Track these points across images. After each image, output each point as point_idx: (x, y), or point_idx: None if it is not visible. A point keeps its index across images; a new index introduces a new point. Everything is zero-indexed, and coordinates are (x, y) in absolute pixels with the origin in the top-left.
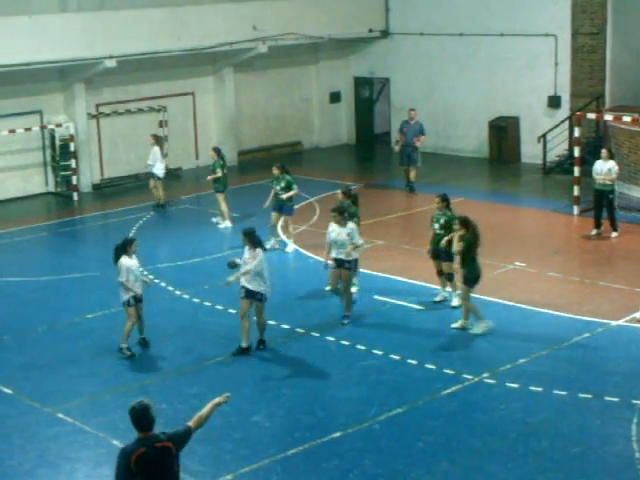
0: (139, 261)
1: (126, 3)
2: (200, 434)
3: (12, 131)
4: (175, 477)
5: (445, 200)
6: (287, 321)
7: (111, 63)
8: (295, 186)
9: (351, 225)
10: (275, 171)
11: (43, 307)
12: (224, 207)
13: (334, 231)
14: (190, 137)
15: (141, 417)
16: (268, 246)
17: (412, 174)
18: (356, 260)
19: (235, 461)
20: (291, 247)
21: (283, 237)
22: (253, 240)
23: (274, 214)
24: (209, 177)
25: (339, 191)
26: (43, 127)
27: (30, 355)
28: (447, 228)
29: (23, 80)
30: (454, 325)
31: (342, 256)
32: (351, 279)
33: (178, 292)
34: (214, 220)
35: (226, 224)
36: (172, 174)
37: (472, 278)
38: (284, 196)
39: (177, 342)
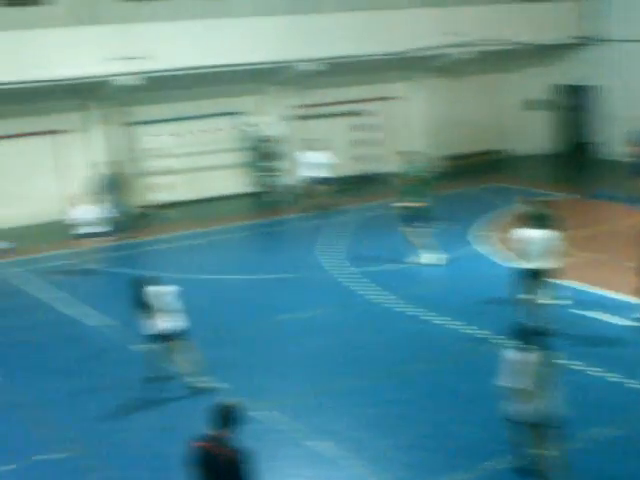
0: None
1: (327, 6)
2: (400, 441)
3: (214, 131)
4: None
5: None
6: (485, 328)
7: (310, 66)
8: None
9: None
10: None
11: (245, 305)
12: None
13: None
14: (389, 142)
15: (220, 416)
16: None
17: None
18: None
19: (432, 470)
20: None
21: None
22: None
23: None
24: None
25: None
26: (242, 128)
27: (234, 353)
28: None
29: (223, 82)
30: None
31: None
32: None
33: (373, 297)
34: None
35: None
36: (367, 178)
37: None
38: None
39: (376, 347)
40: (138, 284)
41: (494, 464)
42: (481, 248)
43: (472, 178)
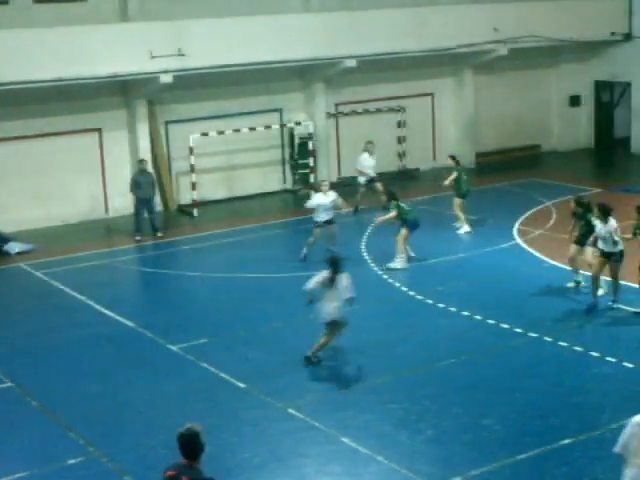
0: None
1: (367, 3)
2: (429, 435)
3: (252, 129)
4: None
5: None
6: (520, 324)
7: (351, 63)
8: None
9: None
10: None
11: (279, 303)
12: (458, 212)
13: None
14: (428, 138)
15: (186, 445)
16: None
17: None
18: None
19: (464, 464)
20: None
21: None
22: None
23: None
24: (446, 182)
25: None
26: (283, 125)
27: (264, 350)
28: None
29: (264, 79)
30: None
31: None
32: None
33: (412, 293)
34: (456, 225)
35: (465, 229)
36: (409, 174)
37: None
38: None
39: (411, 342)
40: (337, 265)
41: (528, 456)
42: (522, 244)
43: (512, 173)
